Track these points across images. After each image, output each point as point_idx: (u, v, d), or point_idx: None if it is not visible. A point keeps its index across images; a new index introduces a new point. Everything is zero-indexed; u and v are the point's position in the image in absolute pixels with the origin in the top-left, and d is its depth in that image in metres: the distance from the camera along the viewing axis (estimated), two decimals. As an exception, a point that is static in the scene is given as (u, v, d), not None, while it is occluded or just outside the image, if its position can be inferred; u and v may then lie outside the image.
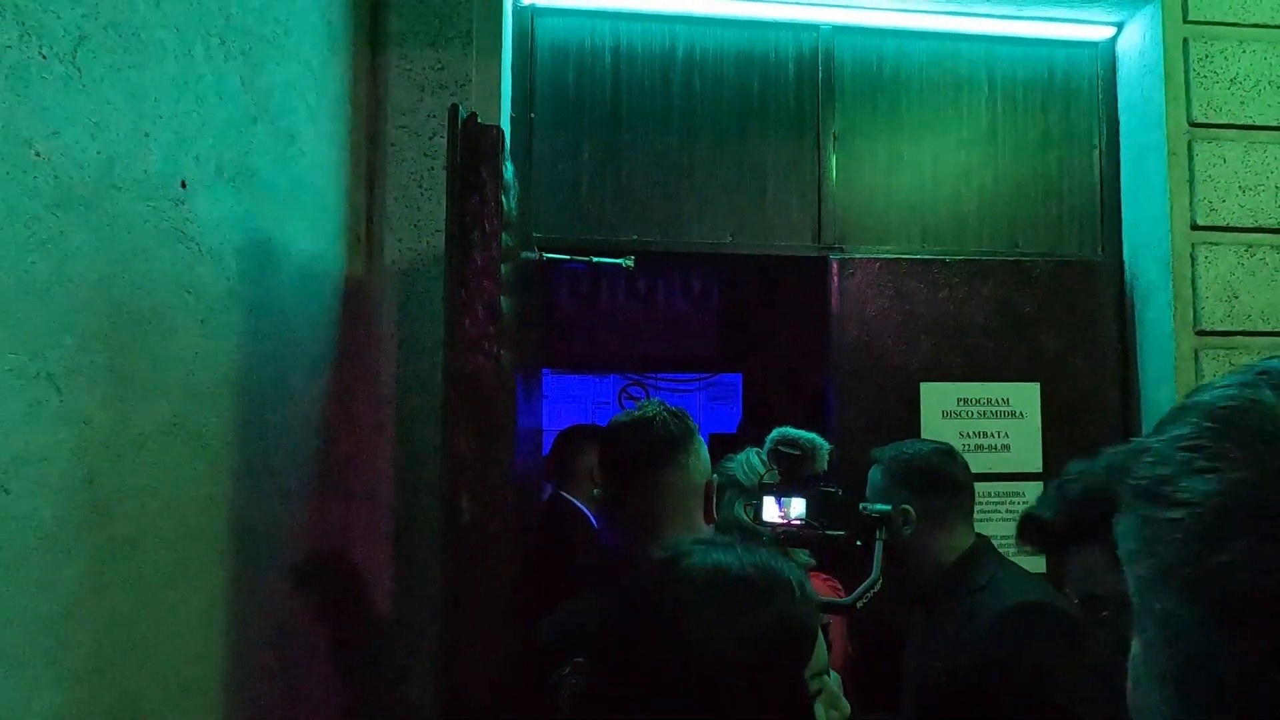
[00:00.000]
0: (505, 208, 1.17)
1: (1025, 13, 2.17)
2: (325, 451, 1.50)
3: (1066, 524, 0.85)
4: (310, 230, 1.43)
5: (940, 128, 2.20)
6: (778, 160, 2.16)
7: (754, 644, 0.71)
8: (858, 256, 2.12)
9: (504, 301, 1.16)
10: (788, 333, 3.45)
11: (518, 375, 1.31)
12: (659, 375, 4.22)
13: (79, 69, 0.83)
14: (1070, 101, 2.26)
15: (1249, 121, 2.07)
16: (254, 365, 1.20)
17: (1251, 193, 2.06)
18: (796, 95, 2.18)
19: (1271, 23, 2.09)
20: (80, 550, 0.84)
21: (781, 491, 1.32)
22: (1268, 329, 2.03)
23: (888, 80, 2.21)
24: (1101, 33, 2.24)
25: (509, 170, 1.22)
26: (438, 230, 1.61)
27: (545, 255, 1.86)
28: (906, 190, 2.19)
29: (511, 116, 2.03)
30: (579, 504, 2.41)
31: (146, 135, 0.94)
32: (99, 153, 0.86)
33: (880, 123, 2.19)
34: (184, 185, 1.00)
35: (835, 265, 2.11)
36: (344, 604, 1.61)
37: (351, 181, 1.64)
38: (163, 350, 0.98)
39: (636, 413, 1.38)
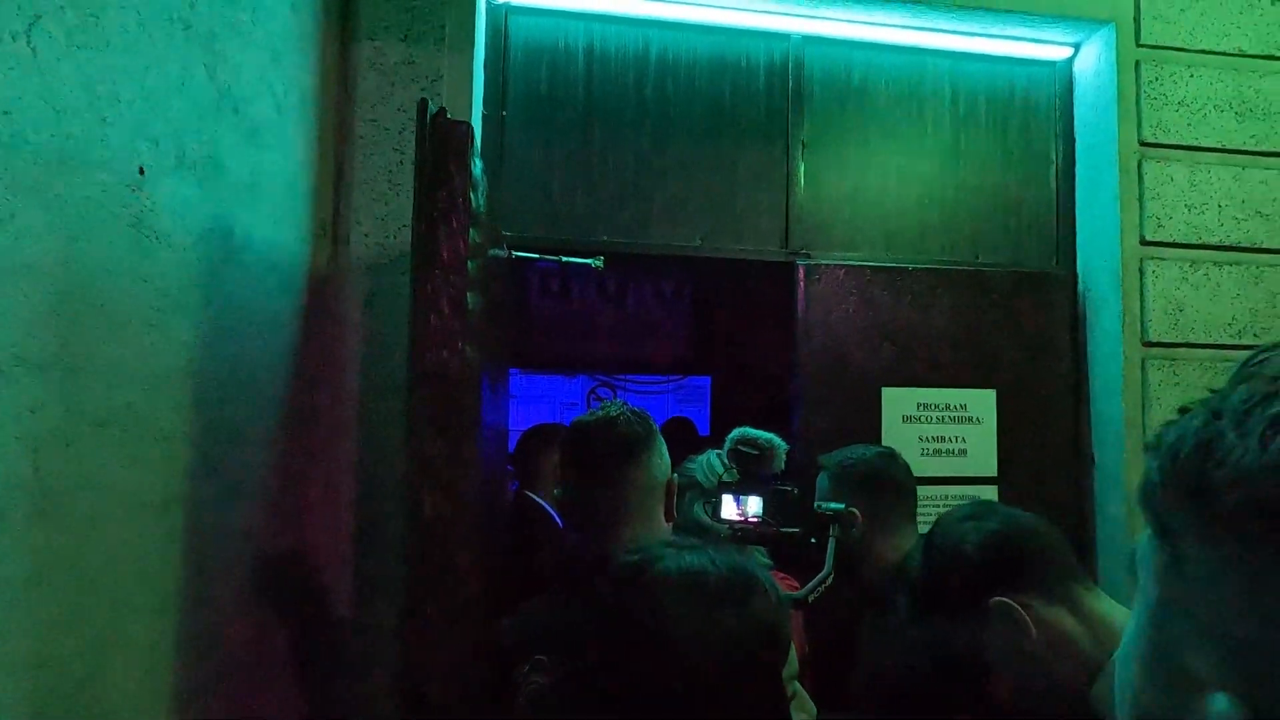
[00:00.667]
0: (474, 204, 1.17)
1: (988, 31, 2.24)
2: (287, 447, 1.47)
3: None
4: (274, 222, 1.41)
5: (905, 139, 2.26)
6: (748, 165, 2.19)
7: (735, 648, 0.71)
8: (824, 262, 2.16)
9: (471, 298, 1.16)
10: (756, 336, 3.49)
11: (484, 373, 1.31)
12: (628, 377, 4.23)
13: (33, 49, 0.81)
14: (1030, 118, 2.33)
15: (1195, 143, 2.16)
16: (212, 357, 1.17)
17: (1196, 211, 2.15)
18: (767, 102, 2.21)
19: (1217, 49, 2.19)
20: (27, 543, 0.82)
21: (739, 490, 1.34)
22: (1209, 341, 2.12)
23: (855, 91, 2.26)
24: (1060, 53, 2.32)
25: (478, 166, 1.22)
26: (405, 225, 1.59)
27: (515, 253, 1.86)
28: (872, 199, 2.23)
29: (483, 114, 2.02)
30: (543, 503, 2.41)
31: (104, 119, 0.92)
32: (53, 135, 0.84)
33: (848, 132, 2.24)
34: (142, 171, 0.98)
35: (802, 270, 2.14)
36: (304, 602, 1.58)
37: (318, 174, 1.62)
38: (115, 339, 0.95)
39: (600, 412, 1.39)
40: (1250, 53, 2.20)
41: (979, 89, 2.31)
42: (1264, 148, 2.18)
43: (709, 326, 4.05)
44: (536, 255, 1.98)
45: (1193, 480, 0.28)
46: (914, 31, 2.23)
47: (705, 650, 0.70)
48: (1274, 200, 2.17)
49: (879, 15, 2.17)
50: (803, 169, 2.20)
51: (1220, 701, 0.26)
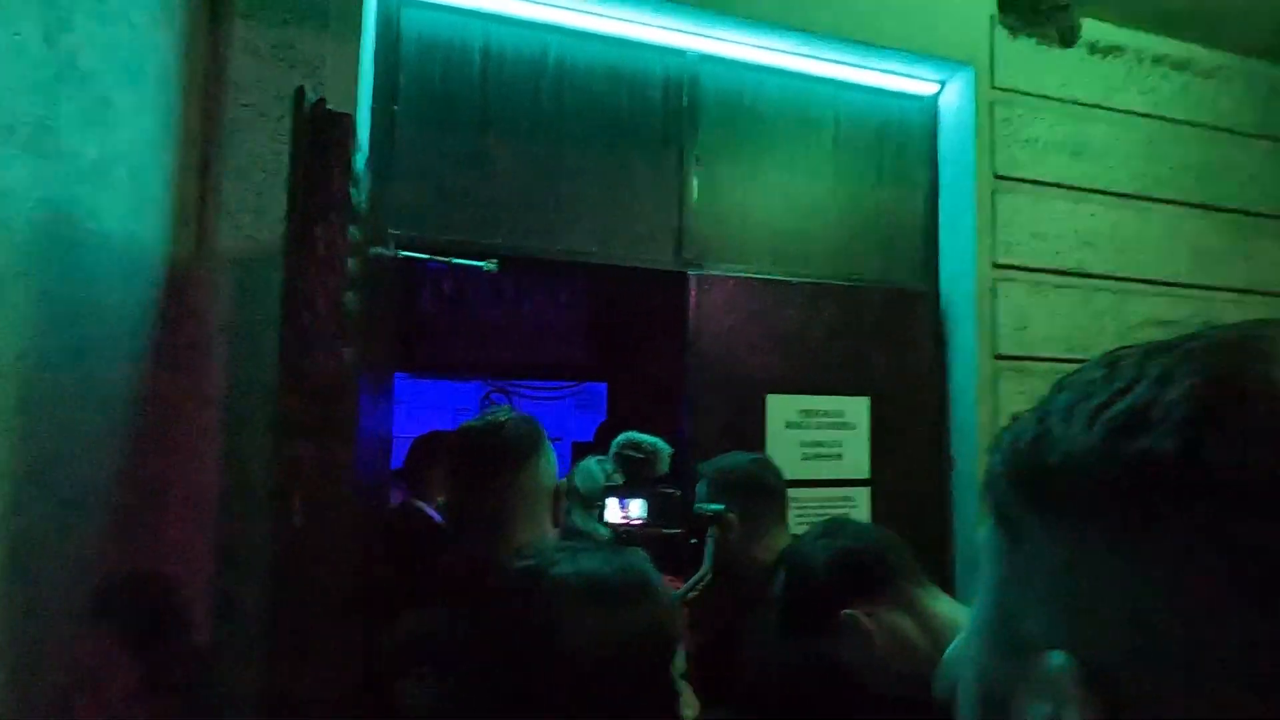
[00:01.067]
0: (354, 199, 1.12)
1: (867, 64, 2.40)
2: (140, 455, 1.34)
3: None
4: (126, 208, 1.29)
5: (791, 159, 2.38)
6: (643, 176, 2.23)
7: (631, 648, 0.73)
8: (714, 274, 2.23)
9: (349, 297, 1.11)
10: (651, 344, 3.55)
11: (363, 375, 1.25)
12: (524, 383, 4.17)
13: None
14: (902, 146, 2.52)
15: (1038, 178, 2.42)
16: (46, 355, 1.05)
17: (1039, 239, 2.40)
18: (663, 115, 2.27)
19: (1056, 96, 2.46)
20: None
21: (624, 493, 1.37)
22: (1050, 355, 2.38)
23: (747, 110, 2.35)
24: (928, 89, 2.53)
25: (360, 161, 1.17)
26: (280, 218, 1.50)
27: (401, 253, 1.80)
28: (760, 214, 2.33)
29: (373, 107, 1.95)
30: (432, 512, 2.34)
31: (-89, 82, 0.81)
32: None
33: (739, 149, 2.33)
34: (-40, 144, 0.87)
35: (694, 281, 2.20)
36: (157, 625, 1.44)
37: (183, 160, 1.49)
38: (-79, 332, 0.84)
39: (488, 417, 1.37)
40: (1083, 101, 2.49)
41: (858, 116, 2.47)
42: (1093, 185, 2.47)
43: (606, 333, 4.07)
44: (425, 255, 1.93)
45: (1028, 468, 0.33)
46: (801, 59, 2.36)
47: (602, 651, 0.71)
48: (1099, 232, 2.47)
49: (769, 40, 2.28)
50: (696, 182, 2.27)
51: (1056, 657, 0.30)
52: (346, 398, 1.09)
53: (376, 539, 1.71)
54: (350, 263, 1.12)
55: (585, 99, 2.19)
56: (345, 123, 1.08)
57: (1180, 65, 2.60)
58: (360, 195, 1.19)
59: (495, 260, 2.06)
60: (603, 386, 4.10)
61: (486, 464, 1.31)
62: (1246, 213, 2.63)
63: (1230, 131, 2.65)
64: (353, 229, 1.13)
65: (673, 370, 2.41)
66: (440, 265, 2.13)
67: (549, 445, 1.35)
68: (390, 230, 1.89)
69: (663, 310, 2.58)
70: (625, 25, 2.20)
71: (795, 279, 2.30)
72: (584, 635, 0.72)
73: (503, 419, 1.37)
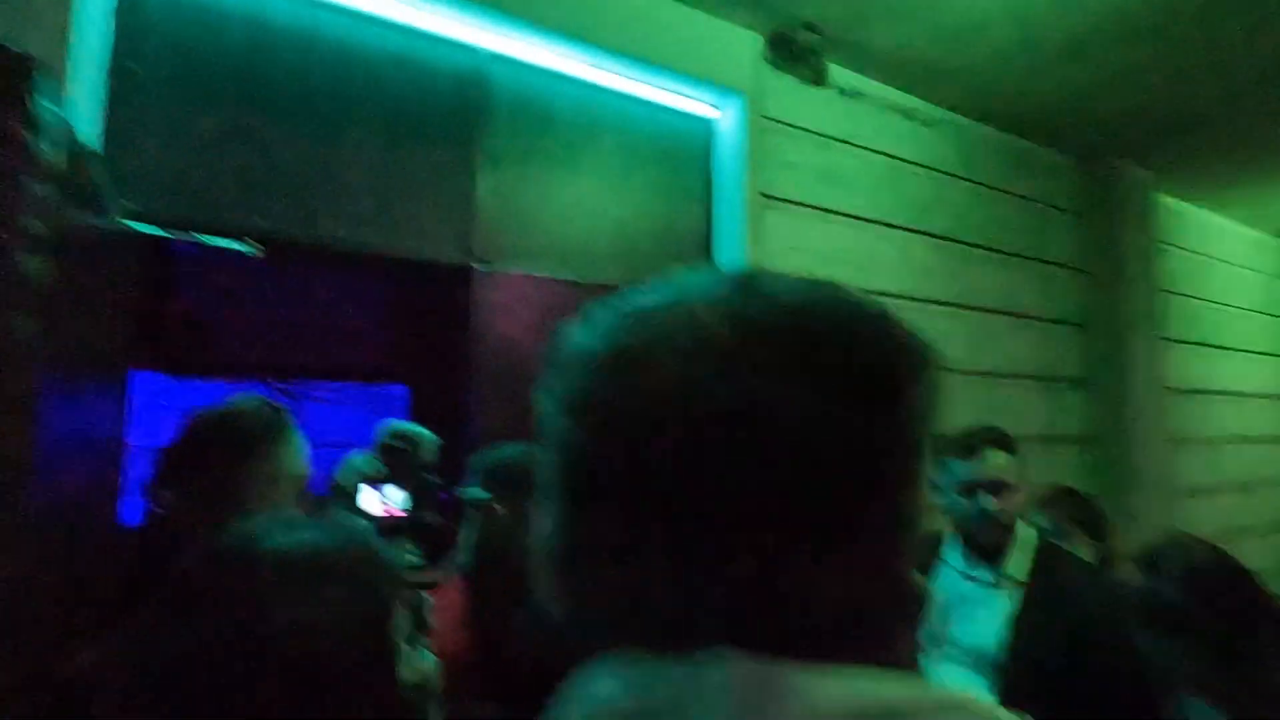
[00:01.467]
0: (43, 153, 0.99)
1: (654, 82, 2.57)
2: None
3: None
4: None
5: (580, 165, 2.47)
6: (429, 169, 2.19)
7: (340, 616, 0.70)
8: (501, 271, 2.25)
9: (31, 263, 0.97)
10: (446, 340, 3.46)
11: (58, 365, 1.10)
12: (313, 384, 3.84)
13: None
14: (684, 162, 2.72)
15: (794, 199, 2.74)
16: None
17: (796, 252, 2.72)
18: (453, 110, 2.24)
19: (808, 128, 2.81)
20: None
21: (384, 482, 1.33)
22: (805, 356, 2.69)
23: (538, 114, 2.40)
24: (709, 111, 2.76)
25: (54, 112, 1.03)
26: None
27: (133, 225, 1.60)
28: (549, 215, 2.39)
29: (111, 66, 1.73)
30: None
31: None
32: None
33: (529, 151, 2.37)
34: None
35: (480, 277, 2.20)
36: None
37: None
38: None
39: (224, 404, 1.27)
40: (833, 135, 2.87)
41: (646, 130, 2.63)
42: (839, 209, 2.85)
43: (403, 329, 3.89)
44: (170, 233, 1.73)
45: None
46: (592, 70, 2.46)
47: (313, 626, 0.69)
48: (844, 250, 2.85)
49: (560, 48, 2.36)
50: (485, 180, 2.27)
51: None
52: (19, 382, 0.94)
53: (99, 557, 1.49)
54: (37, 225, 0.98)
55: (366, 84, 2.11)
56: (25, 64, 0.94)
57: (908, 114, 3.10)
58: (57, 152, 1.04)
59: (258, 245, 1.90)
60: (401, 388, 3.91)
61: (219, 452, 1.21)
62: (955, 240, 3.19)
63: (944, 173, 3.20)
64: (41, 186, 0.99)
65: (464, 366, 2.38)
66: (208, 255, 1.92)
67: (295, 434, 1.28)
68: (124, 202, 1.67)
69: (456, 307, 2.54)
70: (410, 12, 2.15)
71: (581, 280, 2.39)
72: (296, 609, 0.70)
73: (239, 405, 1.28)
